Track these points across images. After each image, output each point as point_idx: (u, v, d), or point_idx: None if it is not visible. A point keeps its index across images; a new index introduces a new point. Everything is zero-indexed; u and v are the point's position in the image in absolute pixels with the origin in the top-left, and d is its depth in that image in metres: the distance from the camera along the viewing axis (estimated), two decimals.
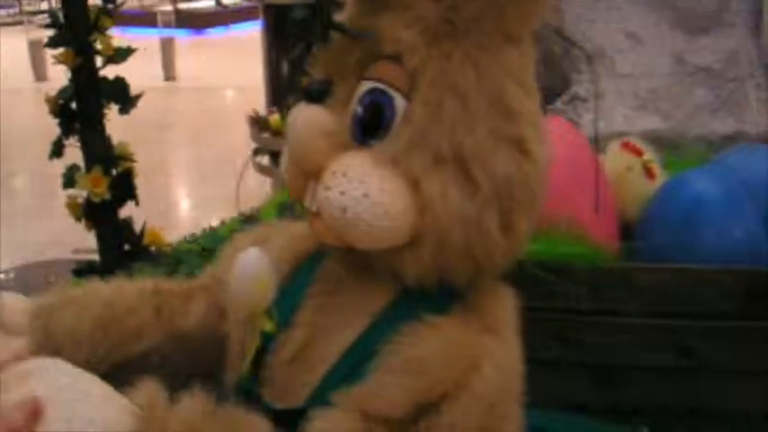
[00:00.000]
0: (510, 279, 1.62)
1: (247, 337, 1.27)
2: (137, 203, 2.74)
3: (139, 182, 2.62)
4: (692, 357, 1.76)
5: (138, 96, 2.73)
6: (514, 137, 1.15)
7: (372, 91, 1.16)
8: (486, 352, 1.13)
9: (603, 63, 2.41)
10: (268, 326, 1.25)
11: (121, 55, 2.75)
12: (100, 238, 2.73)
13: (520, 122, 1.15)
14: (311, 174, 1.18)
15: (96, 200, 2.61)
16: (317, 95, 1.20)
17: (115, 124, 2.61)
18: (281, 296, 1.28)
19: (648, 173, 1.94)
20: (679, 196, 1.82)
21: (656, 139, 2.22)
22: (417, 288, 1.18)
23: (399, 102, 1.15)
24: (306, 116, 1.19)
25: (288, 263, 1.33)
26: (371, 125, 1.16)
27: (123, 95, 2.74)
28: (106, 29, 2.64)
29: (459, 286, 1.19)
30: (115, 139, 2.65)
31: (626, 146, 1.98)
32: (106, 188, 2.63)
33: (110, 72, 2.60)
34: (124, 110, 2.72)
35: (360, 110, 1.17)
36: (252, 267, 1.22)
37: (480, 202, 1.13)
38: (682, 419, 1.79)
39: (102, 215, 2.67)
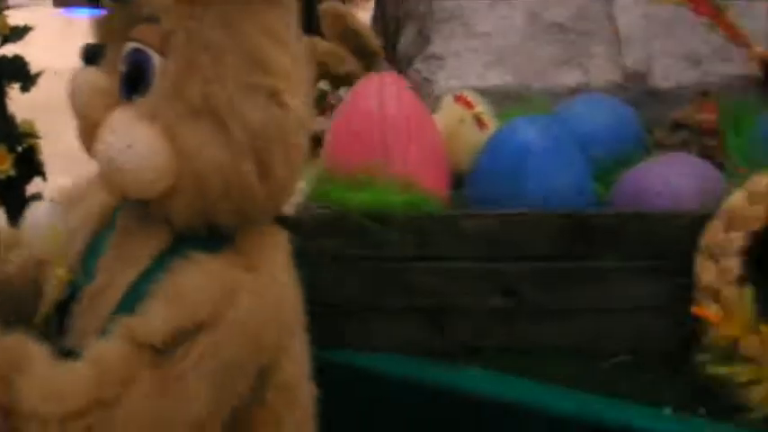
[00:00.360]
0: (337, 229, 1.70)
1: (47, 285, 1.35)
2: (44, 179, 2.81)
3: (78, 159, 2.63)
4: (517, 299, 1.81)
5: (38, 75, 2.79)
6: (268, 89, 1.23)
7: (134, 51, 1.25)
8: (244, 286, 1.21)
9: (461, 23, 2.47)
10: (62, 275, 1.32)
11: (18, 34, 2.81)
12: (9, 215, 2.79)
13: (273, 75, 1.23)
14: (94, 131, 1.26)
15: (1, 177, 2.67)
16: (91, 58, 1.29)
17: (51, 104, 2.64)
18: (92, 248, 1.36)
19: (480, 124, 2.00)
20: (505, 145, 1.89)
21: (505, 93, 2.29)
22: (189, 232, 1.26)
23: (157, 60, 1.24)
24: (82, 77, 1.29)
25: (98, 217, 1.41)
26: (134, 82, 1.24)
27: (22, 74, 2.80)
28: (2, 9, 2.69)
29: (228, 230, 1.27)
30: (35, 118, 2.70)
31: (458, 99, 2.05)
32: (11, 165, 2.69)
33: (52, 54, 2.65)
34: (25, 88, 2.77)
35: (124, 69, 1.25)
36: (38, 219, 1.31)
37: (235, 150, 1.21)
38: (511, 359, 1.85)
39: (9, 192, 2.73)
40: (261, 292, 1.24)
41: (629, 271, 1.80)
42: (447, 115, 2.05)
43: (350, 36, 2.68)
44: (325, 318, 1.83)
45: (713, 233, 1.70)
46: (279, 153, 1.25)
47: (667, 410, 1.69)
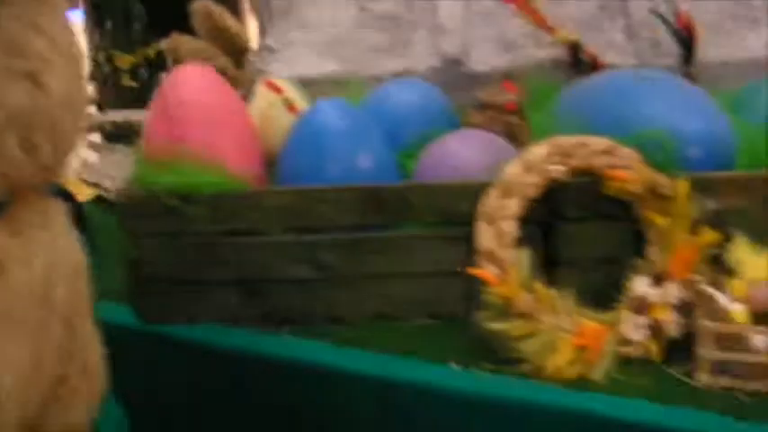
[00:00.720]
0: (150, 209, 1.81)
1: None
2: None
3: None
4: (323, 268, 1.93)
5: None
6: (26, 72, 1.34)
7: None
8: (10, 254, 1.32)
9: (295, 15, 2.60)
10: None
11: None
12: None
13: (30, 59, 1.34)
14: None
15: None
16: None
17: None
18: None
19: (290, 108, 2.13)
20: (308, 127, 2.01)
21: (334, 80, 2.42)
22: None
23: None
24: None
25: None
26: None
27: None
28: None
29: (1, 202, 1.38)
30: None
31: (268, 85, 2.17)
32: None
33: None
34: None
35: None
36: None
37: None
38: (320, 325, 1.98)
39: None
40: (27, 256, 1.35)
41: (424, 239, 1.93)
42: (259, 101, 2.17)
43: (220, 33, 2.78)
44: (146, 294, 1.96)
45: (491, 200, 1.83)
46: (42, 131, 1.36)
47: (454, 366, 1.82)
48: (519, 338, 1.78)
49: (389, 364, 1.87)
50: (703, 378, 1.74)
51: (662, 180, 1.84)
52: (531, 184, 1.83)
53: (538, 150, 1.84)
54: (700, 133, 1.97)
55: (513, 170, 1.83)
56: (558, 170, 1.84)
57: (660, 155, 1.89)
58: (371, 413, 1.86)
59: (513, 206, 1.82)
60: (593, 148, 1.85)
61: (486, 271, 1.79)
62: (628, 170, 1.84)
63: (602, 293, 1.88)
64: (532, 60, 2.44)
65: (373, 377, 1.85)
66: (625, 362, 1.82)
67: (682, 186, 1.83)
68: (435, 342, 1.91)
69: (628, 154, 1.86)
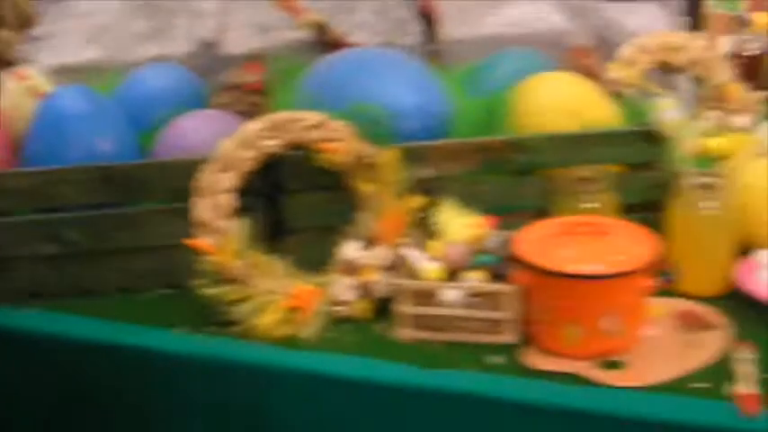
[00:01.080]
0: None
1: None
2: None
3: None
4: (67, 245, 2.07)
5: None
6: None
7: None
8: None
9: (65, 5, 2.72)
10: None
11: None
12: None
13: None
14: None
15: None
16: None
17: None
18: None
19: (36, 95, 2.26)
20: (48, 112, 2.14)
21: (96, 68, 2.55)
22: None
23: None
24: None
25: None
26: None
27: None
28: None
29: None
30: None
31: (16, 74, 2.29)
32: None
33: None
34: None
35: None
36: None
37: None
38: (68, 300, 2.12)
39: None
40: None
41: (158, 213, 2.08)
42: (6, 89, 2.29)
43: (25, 22, 2.86)
44: None
45: (207, 175, 1.97)
46: None
47: (176, 331, 1.97)
48: (232, 302, 1.92)
49: (120, 332, 2.00)
50: (403, 333, 1.90)
51: (368, 150, 2.00)
52: (247, 158, 1.97)
53: (252, 126, 1.99)
54: (415, 107, 2.13)
55: (228, 146, 1.97)
56: (272, 145, 1.98)
57: (374, 127, 2.03)
58: (109, 379, 2.00)
59: (230, 180, 1.96)
60: (306, 122, 2.00)
61: (203, 241, 1.93)
62: (337, 142, 1.99)
63: (324, 260, 2.03)
64: (285, 42, 2.57)
65: (107, 345, 1.99)
66: (337, 321, 1.97)
67: (387, 155, 1.98)
68: (169, 310, 2.06)
69: (338, 127, 2.01)
